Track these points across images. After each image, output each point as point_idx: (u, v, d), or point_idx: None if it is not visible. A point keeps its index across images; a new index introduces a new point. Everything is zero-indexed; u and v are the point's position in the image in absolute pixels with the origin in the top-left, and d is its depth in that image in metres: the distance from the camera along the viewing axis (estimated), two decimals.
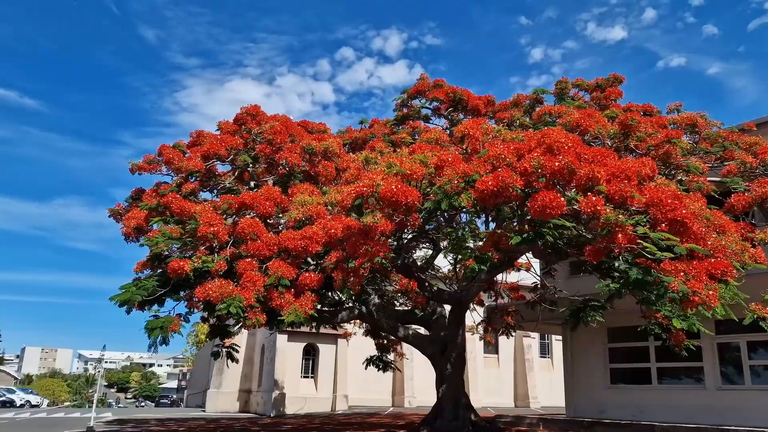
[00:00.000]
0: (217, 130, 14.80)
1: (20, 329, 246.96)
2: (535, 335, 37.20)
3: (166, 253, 12.02)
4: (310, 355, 31.21)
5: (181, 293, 11.84)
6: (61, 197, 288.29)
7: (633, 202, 7.53)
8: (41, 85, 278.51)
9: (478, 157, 8.85)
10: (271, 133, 13.36)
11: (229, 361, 17.54)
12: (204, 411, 32.38)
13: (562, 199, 7.23)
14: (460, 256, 8.83)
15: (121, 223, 15.06)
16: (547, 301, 16.87)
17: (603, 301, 10.31)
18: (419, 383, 32.36)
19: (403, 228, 10.07)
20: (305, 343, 30.71)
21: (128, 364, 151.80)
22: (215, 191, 15.27)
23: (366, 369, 22.21)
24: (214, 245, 11.45)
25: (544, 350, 38.58)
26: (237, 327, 10.78)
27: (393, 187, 8.77)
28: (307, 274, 10.49)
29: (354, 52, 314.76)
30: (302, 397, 29.67)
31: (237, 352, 17.65)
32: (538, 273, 17.96)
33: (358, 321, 20.98)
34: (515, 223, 9.13)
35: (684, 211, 7.31)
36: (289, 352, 29.95)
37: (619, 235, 7.35)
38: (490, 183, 7.53)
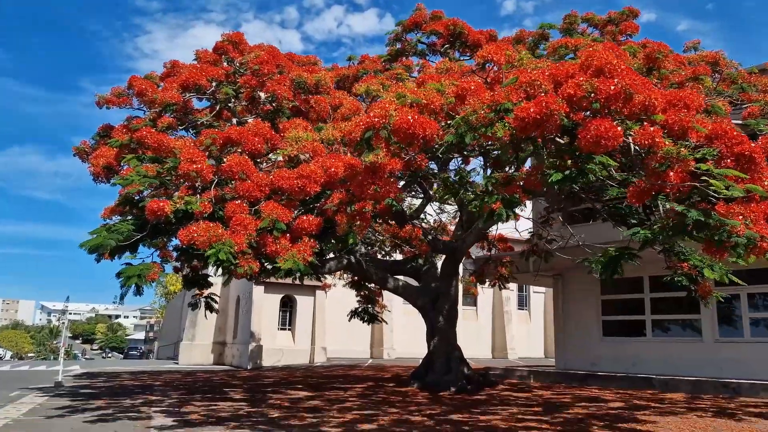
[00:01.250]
0: (195, 60, 13.30)
1: None
2: (514, 288, 36.98)
3: (142, 194, 10.75)
4: (288, 306, 30.35)
5: (160, 239, 10.62)
6: (18, 145, 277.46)
7: (693, 135, 6.57)
8: None
9: (504, 86, 7.74)
10: (256, 63, 11.98)
11: (208, 312, 16.53)
12: (177, 363, 31.47)
13: (619, 129, 6.22)
14: (474, 201, 7.78)
15: (87, 163, 13.67)
16: (542, 252, 16.12)
17: (631, 249, 9.42)
18: (399, 335, 31.93)
19: (408, 168, 8.98)
20: (282, 295, 29.79)
21: (93, 315, 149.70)
22: (191, 130, 13.91)
23: (350, 321, 21.49)
24: (197, 185, 10.22)
25: (522, 303, 38.52)
26: (225, 276, 9.61)
27: (409, 117, 7.64)
28: (304, 218, 9.37)
29: None
30: (279, 349, 28.93)
31: (216, 303, 16.61)
32: (523, 223, 17.19)
33: (339, 272, 20.04)
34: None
35: (753, 145, 6.39)
36: (266, 303, 29.02)
37: (672, 173, 6.43)
38: (532, 110, 6.45)
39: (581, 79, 6.64)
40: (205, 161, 10.16)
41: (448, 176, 11.24)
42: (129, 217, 10.75)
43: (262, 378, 20.17)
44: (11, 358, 48.26)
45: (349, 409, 11.72)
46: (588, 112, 6.79)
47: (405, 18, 15.92)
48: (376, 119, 7.84)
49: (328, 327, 30.59)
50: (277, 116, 12.28)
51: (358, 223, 8.67)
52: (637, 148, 6.63)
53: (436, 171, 13.47)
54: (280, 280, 25.57)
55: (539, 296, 38.48)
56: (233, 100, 13.47)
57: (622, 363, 17.38)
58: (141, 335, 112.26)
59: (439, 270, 16.64)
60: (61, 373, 17.21)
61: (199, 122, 13.68)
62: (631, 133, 6.50)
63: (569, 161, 6.88)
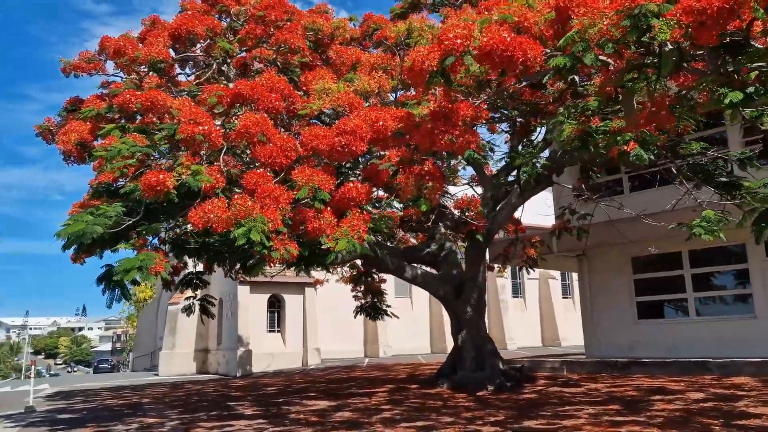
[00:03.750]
0: (181, 11, 11.09)
1: None
2: (508, 275, 35.52)
3: (125, 176, 8.55)
4: (275, 307, 28.12)
5: (158, 224, 8.44)
6: None
7: None
8: None
9: None
10: (260, 8, 9.85)
11: (204, 316, 14.38)
12: (156, 375, 28.92)
13: None
14: (561, 136, 5.92)
15: (54, 142, 11.39)
16: (575, 229, 14.39)
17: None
18: (394, 331, 29.97)
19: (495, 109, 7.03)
20: (269, 294, 27.55)
21: (55, 329, 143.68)
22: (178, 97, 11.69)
23: (355, 318, 19.54)
24: (203, 154, 8.11)
25: (517, 290, 37.06)
26: (254, 267, 7.50)
27: (505, 36, 5.72)
28: (351, 185, 7.34)
29: None
30: (269, 353, 26.70)
31: (213, 305, 14.45)
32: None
33: (343, 263, 18.00)
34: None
35: None
36: (252, 305, 26.76)
37: None
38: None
39: None
40: (212, 123, 8.06)
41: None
42: (113, 202, 8.54)
43: (262, 386, 18.00)
44: None
45: (393, 420, 9.76)
46: None
47: None
48: (458, 41, 5.89)
49: (318, 327, 28.51)
50: (287, 75, 10.19)
51: (430, 184, 6.69)
52: None
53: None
54: (267, 279, 23.38)
55: (533, 283, 37.07)
56: (225, 64, 11.34)
57: (661, 347, 15.83)
58: (107, 347, 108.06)
59: (464, 255, 14.77)
60: (32, 396, 14.75)
61: (184, 94, 11.48)
62: None
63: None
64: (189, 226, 8.35)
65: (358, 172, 8.10)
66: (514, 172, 12.49)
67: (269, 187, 7.07)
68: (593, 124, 6.60)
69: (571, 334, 35.48)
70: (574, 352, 22.07)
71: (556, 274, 36.42)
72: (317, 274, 24.02)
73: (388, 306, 18.30)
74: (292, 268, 19.10)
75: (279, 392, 15.71)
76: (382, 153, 7.68)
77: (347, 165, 7.88)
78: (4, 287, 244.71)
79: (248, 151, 9.89)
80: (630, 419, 8.66)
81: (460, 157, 9.96)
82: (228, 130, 8.27)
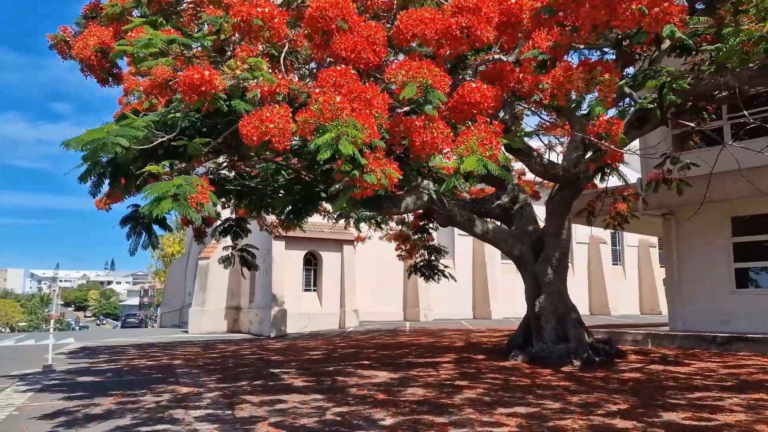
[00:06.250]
0: None
1: None
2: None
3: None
4: (311, 265, 26.39)
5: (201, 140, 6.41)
6: (1, 113, 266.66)
7: None
8: None
9: None
10: None
11: (245, 270, 12.60)
12: (186, 332, 27.61)
13: None
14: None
15: (70, 57, 9.44)
16: (675, 182, 12.10)
17: None
18: (435, 294, 28.05)
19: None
20: (305, 251, 25.80)
21: (85, 282, 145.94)
22: None
23: (408, 278, 17.72)
24: (261, 48, 6.06)
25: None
26: (338, 195, 5.40)
27: None
28: (474, 85, 5.22)
29: None
30: (305, 313, 25.08)
31: (254, 256, 12.62)
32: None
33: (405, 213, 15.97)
34: None
35: None
36: (287, 261, 25.05)
37: None
38: None
39: None
40: (274, 5, 5.96)
41: None
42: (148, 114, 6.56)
43: (303, 350, 16.30)
44: None
45: (483, 404, 7.82)
46: None
47: None
48: None
49: (356, 287, 26.76)
50: None
51: (606, 77, 4.55)
52: None
53: None
54: (303, 234, 21.58)
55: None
56: None
57: (762, 320, 13.68)
58: (135, 301, 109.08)
59: (549, 207, 12.63)
60: (51, 354, 13.18)
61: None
62: None
63: None
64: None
65: (468, 76, 5.98)
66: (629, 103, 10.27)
67: (357, 87, 5.01)
68: None
69: (621, 304, 33.40)
70: (631, 323, 19.97)
71: (606, 238, 34.07)
72: (355, 229, 22.19)
73: (446, 266, 16.34)
74: (342, 221, 17.26)
75: (325, 358, 13.95)
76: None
77: (457, 59, 5.73)
78: (36, 240, 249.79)
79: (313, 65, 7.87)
80: None
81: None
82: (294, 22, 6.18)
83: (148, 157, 6.34)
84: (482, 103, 5.05)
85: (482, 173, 4.57)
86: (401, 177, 4.81)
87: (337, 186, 4.87)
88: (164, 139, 6.07)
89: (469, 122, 4.99)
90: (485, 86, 5.12)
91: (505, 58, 5.65)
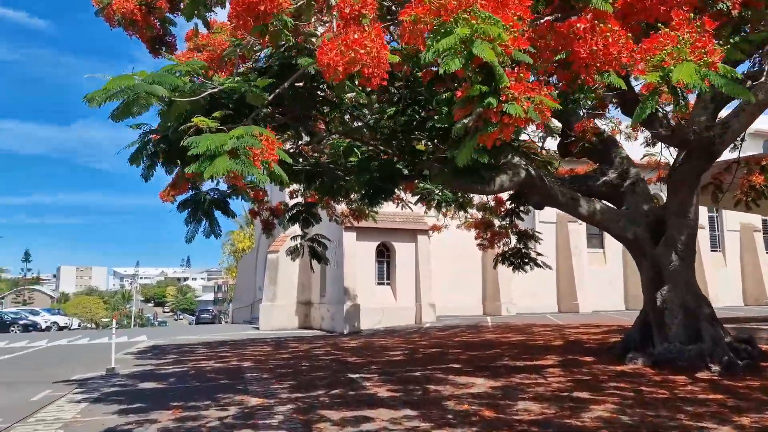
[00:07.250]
0: None
1: (55, 249, 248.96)
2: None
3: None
4: (384, 256, 24.98)
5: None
6: (82, 118, 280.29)
7: None
8: (46, 4, 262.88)
9: None
10: None
11: (314, 262, 11.24)
12: (257, 328, 26.83)
13: None
14: None
15: (117, 22, 8.29)
16: None
17: None
18: (518, 286, 26.07)
19: None
20: (378, 242, 24.40)
21: (163, 279, 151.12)
22: None
23: (495, 268, 16.03)
24: None
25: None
26: (460, 139, 3.81)
27: None
28: None
29: None
30: (379, 308, 23.67)
31: (325, 248, 11.24)
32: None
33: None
34: None
35: None
36: (359, 253, 23.71)
37: None
38: None
39: None
40: None
41: None
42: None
43: (381, 349, 14.87)
44: (79, 326, 45.03)
45: (629, 428, 6.07)
46: None
47: None
48: None
49: (432, 280, 25.13)
50: None
51: None
52: None
53: None
54: (373, 225, 20.15)
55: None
56: None
57: None
58: (210, 296, 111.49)
59: (673, 180, 10.62)
60: (114, 357, 12.27)
61: None
62: None
63: None
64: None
65: None
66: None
67: None
68: None
69: (722, 294, 30.25)
70: (747, 316, 17.27)
71: (705, 223, 30.95)
72: (431, 219, 20.59)
73: (539, 254, 14.49)
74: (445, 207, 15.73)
75: (407, 359, 12.45)
76: None
77: None
78: (118, 239, 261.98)
79: None
80: None
81: None
82: None
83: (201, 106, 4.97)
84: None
85: (703, 90, 2.89)
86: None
87: (457, 125, 3.28)
88: (215, 90, 4.65)
89: (658, 25, 3.30)
90: None
91: None
